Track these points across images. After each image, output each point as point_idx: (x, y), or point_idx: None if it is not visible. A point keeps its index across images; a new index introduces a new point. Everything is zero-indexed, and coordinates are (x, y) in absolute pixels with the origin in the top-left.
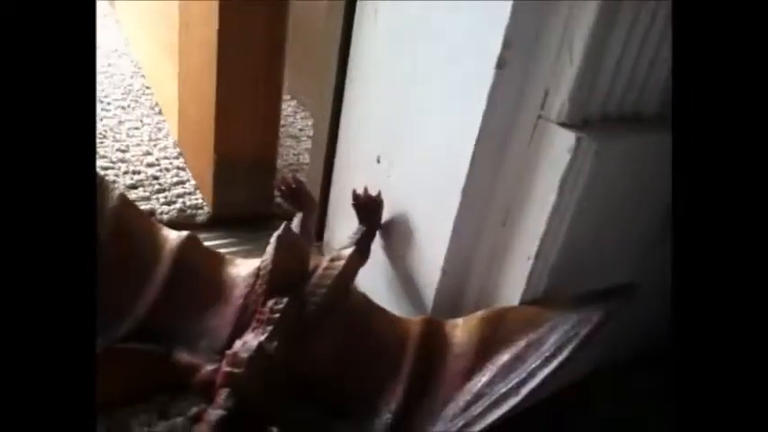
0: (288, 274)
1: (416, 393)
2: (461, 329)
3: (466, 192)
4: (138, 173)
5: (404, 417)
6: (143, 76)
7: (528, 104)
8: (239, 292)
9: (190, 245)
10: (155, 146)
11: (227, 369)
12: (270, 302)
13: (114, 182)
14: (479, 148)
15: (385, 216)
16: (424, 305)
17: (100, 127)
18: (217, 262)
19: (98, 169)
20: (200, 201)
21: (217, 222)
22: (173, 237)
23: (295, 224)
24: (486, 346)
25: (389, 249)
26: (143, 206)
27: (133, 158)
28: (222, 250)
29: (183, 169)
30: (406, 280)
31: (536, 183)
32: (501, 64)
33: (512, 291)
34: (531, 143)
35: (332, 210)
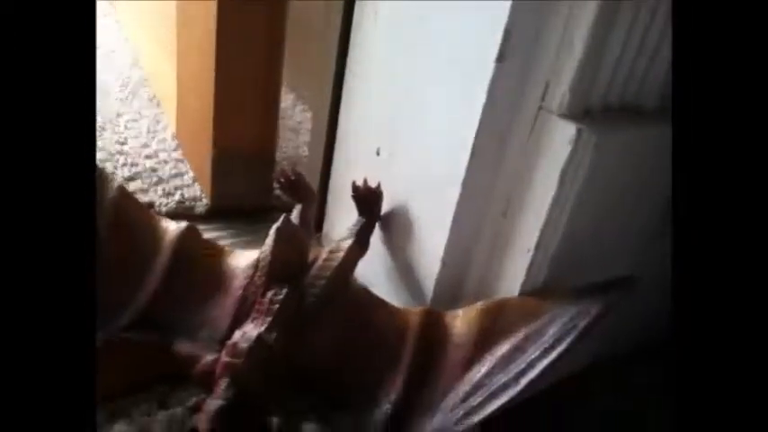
0: (287, 266)
1: (416, 384)
2: (461, 320)
3: (466, 184)
4: (137, 165)
5: (403, 407)
6: (141, 68)
7: (528, 97)
8: (238, 283)
9: (189, 236)
10: (153, 138)
11: (227, 359)
12: (269, 293)
13: (113, 174)
14: (479, 140)
15: (384, 208)
16: (423, 296)
17: (99, 119)
18: (216, 253)
19: (97, 161)
20: (198, 193)
21: (216, 214)
22: (172, 228)
23: (294, 216)
24: (485, 337)
25: (389, 241)
26: (142, 198)
27: (131, 151)
28: (221, 242)
29: (182, 161)
30: (405, 271)
31: (536, 175)
32: (501, 57)
33: (511, 282)
34: (531, 135)
35: (331, 201)
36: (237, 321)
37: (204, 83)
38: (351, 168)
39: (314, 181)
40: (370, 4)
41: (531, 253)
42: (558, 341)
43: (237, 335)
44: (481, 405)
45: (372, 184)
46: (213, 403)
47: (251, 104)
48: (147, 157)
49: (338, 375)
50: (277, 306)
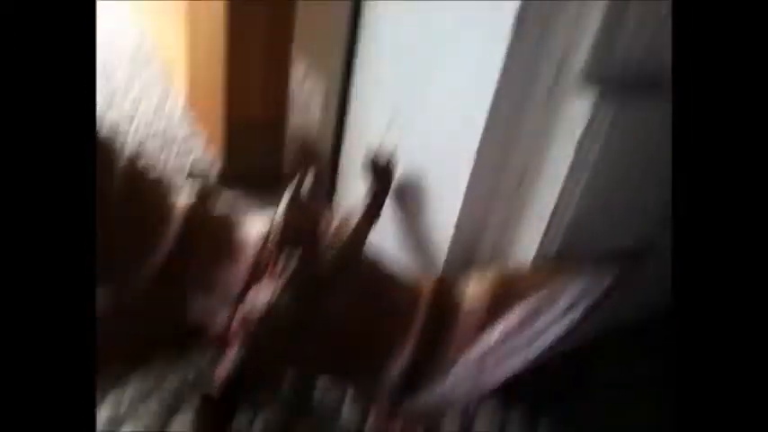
0: (299, 232)
1: (427, 350)
2: (473, 288)
3: (481, 152)
4: (148, 135)
5: (415, 372)
6: (150, 39)
7: (545, 66)
8: (251, 248)
9: (201, 201)
10: (164, 108)
11: (240, 322)
12: (282, 259)
13: (124, 142)
14: (495, 109)
15: (397, 176)
16: (436, 264)
17: (109, 91)
18: (228, 219)
19: (107, 132)
20: (210, 161)
21: (228, 182)
22: (184, 194)
23: (307, 184)
24: (497, 305)
25: (402, 209)
26: (154, 167)
27: (143, 121)
28: (233, 210)
29: (193, 131)
30: (418, 240)
31: (552, 145)
32: (518, 26)
33: (525, 250)
34: (547, 107)
35: (344, 170)
36: (250, 285)
37: (215, 52)
38: (363, 137)
39: (326, 150)
40: None
41: (545, 222)
42: (570, 309)
43: (250, 298)
44: (493, 370)
45: (385, 153)
46: (225, 366)
47: (262, 73)
48: (158, 127)
49: (351, 341)
50: (289, 271)
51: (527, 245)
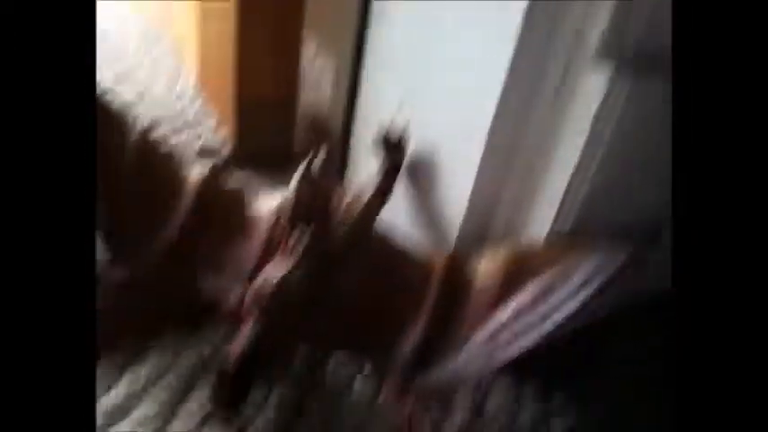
0: (311, 209)
1: (440, 327)
2: (486, 264)
3: (494, 128)
4: (160, 114)
5: (427, 349)
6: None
7: (561, 40)
8: (263, 225)
9: (213, 177)
10: (175, 88)
11: (253, 298)
12: (294, 236)
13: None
14: (508, 85)
15: (409, 153)
16: (448, 241)
17: (119, 70)
18: (240, 196)
19: (118, 107)
20: (221, 140)
21: (239, 161)
22: (196, 170)
23: (318, 161)
24: (510, 281)
25: (414, 186)
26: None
27: (154, 100)
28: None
29: (205, 110)
30: (430, 216)
31: (567, 120)
32: (533, 0)
33: (539, 226)
34: (563, 82)
35: (355, 148)
36: (263, 262)
37: (226, 31)
38: (375, 114)
39: (337, 127)
40: None
41: (559, 198)
42: (584, 286)
43: (263, 274)
44: (506, 346)
45: (397, 130)
46: (240, 342)
47: (273, 51)
48: (169, 106)
49: (362, 317)
50: (302, 247)
51: (541, 221)
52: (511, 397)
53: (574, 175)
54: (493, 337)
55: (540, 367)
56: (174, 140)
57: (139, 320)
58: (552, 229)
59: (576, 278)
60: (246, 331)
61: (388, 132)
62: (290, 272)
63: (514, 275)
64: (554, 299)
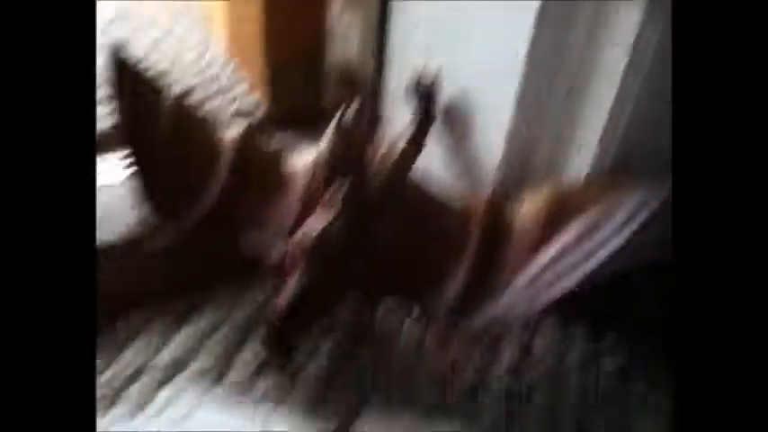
0: (346, 161)
1: (482, 270)
2: (526, 207)
3: (528, 65)
4: (192, 80)
5: (470, 292)
6: None
7: None
8: (300, 180)
9: (249, 137)
10: (205, 54)
11: (296, 251)
12: (331, 188)
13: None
14: (542, 19)
15: (443, 99)
16: (486, 186)
17: (149, 41)
18: (276, 154)
19: (152, 74)
20: (254, 103)
21: (273, 122)
22: (232, 130)
23: (351, 114)
24: (552, 222)
25: (449, 133)
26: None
27: (185, 67)
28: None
29: (236, 74)
30: (467, 162)
31: (603, 54)
32: None
33: (579, 163)
34: (598, 11)
35: (387, 100)
36: (304, 214)
37: None
38: (405, 63)
39: (368, 79)
40: None
41: (598, 137)
42: (628, 222)
43: (304, 228)
44: (549, 287)
45: (429, 77)
46: (287, 293)
47: (300, 9)
48: (202, 72)
49: (404, 265)
50: (339, 199)
51: (580, 160)
52: (558, 338)
53: (612, 113)
54: (536, 278)
55: (588, 308)
56: (208, 106)
57: (189, 280)
58: (593, 167)
59: (620, 215)
60: (291, 284)
61: (419, 80)
62: (329, 224)
63: (556, 216)
64: (598, 236)
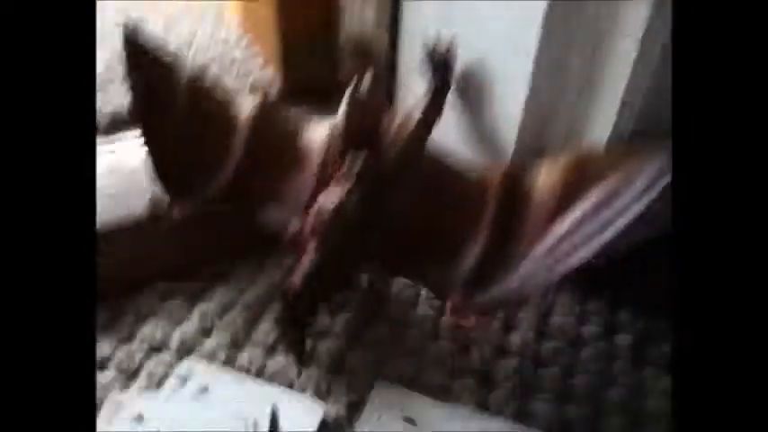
0: (362, 131)
1: (499, 240)
2: (544, 176)
3: (544, 37)
4: (206, 56)
5: (488, 262)
6: None
7: None
8: (317, 152)
9: (265, 109)
10: (219, 31)
11: (313, 223)
12: (347, 159)
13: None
14: None
15: (458, 68)
16: (504, 155)
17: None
18: (292, 126)
19: (167, 51)
20: (269, 78)
21: (288, 96)
22: (248, 104)
23: (366, 83)
24: (570, 191)
25: (465, 102)
26: None
27: (199, 44)
28: None
29: (250, 49)
30: (484, 132)
31: (624, 16)
32: None
33: (601, 125)
34: None
35: (402, 67)
36: (319, 188)
37: None
38: (420, 33)
39: (382, 51)
40: None
41: (618, 100)
42: (647, 190)
43: (321, 200)
44: (569, 254)
45: (444, 45)
46: (303, 265)
47: None
48: (216, 47)
49: (420, 236)
50: (356, 171)
51: (599, 129)
52: (575, 312)
53: (630, 80)
54: (553, 248)
55: (605, 282)
56: (222, 82)
57: (205, 257)
58: (613, 134)
59: (639, 182)
60: (307, 259)
61: (434, 49)
62: (345, 197)
63: (574, 185)
64: (618, 204)
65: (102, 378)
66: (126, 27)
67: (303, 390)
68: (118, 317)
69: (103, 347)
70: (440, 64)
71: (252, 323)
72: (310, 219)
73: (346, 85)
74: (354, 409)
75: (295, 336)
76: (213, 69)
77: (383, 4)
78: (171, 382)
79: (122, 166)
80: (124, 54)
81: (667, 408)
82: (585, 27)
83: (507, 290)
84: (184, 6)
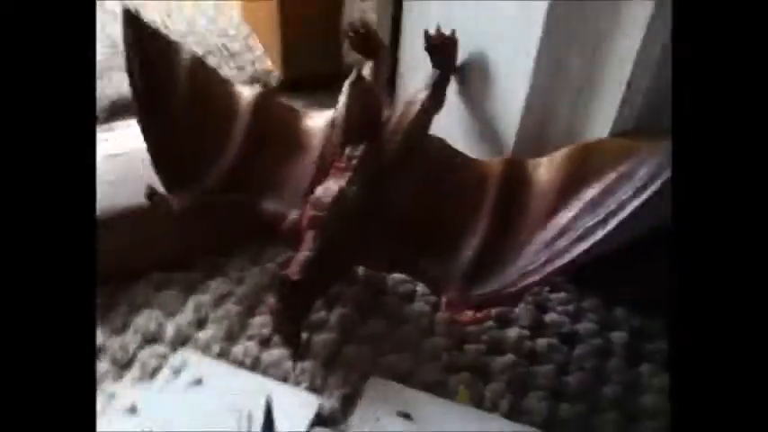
0: (362, 122)
1: (498, 231)
2: (545, 168)
3: (547, 29)
4: (207, 44)
5: (486, 254)
6: None
7: None
8: (317, 141)
9: (265, 99)
10: (219, 19)
11: (311, 214)
12: (347, 150)
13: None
14: None
15: (460, 57)
16: (505, 146)
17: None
18: (292, 116)
19: (168, 41)
20: (269, 66)
21: (288, 85)
22: (248, 93)
23: (366, 72)
24: (571, 183)
25: (466, 92)
26: None
27: (200, 32)
28: None
29: (251, 38)
30: (485, 123)
31: (624, 16)
32: None
33: (601, 124)
34: None
35: (403, 55)
36: (318, 178)
37: None
38: (421, 21)
39: (384, 36)
40: None
41: (622, 90)
42: (649, 182)
43: (320, 190)
44: (567, 248)
45: (446, 32)
46: (301, 255)
47: None
48: (217, 36)
49: (420, 226)
50: (355, 161)
51: (600, 127)
52: (572, 307)
53: (633, 74)
54: (552, 240)
55: (601, 280)
56: (223, 71)
57: (201, 247)
58: (614, 128)
59: (639, 177)
60: (305, 249)
61: (435, 37)
62: (345, 186)
63: (575, 177)
64: (618, 197)
65: (96, 368)
66: (127, 10)
67: (298, 383)
68: (112, 307)
69: (97, 337)
70: (441, 53)
71: (247, 314)
72: (309, 208)
73: (346, 76)
74: (349, 402)
75: (291, 328)
76: (214, 57)
77: (384, 3)
78: (165, 373)
79: (121, 154)
80: (125, 36)
81: (662, 405)
82: (585, 27)
83: (505, 282)
84: None
